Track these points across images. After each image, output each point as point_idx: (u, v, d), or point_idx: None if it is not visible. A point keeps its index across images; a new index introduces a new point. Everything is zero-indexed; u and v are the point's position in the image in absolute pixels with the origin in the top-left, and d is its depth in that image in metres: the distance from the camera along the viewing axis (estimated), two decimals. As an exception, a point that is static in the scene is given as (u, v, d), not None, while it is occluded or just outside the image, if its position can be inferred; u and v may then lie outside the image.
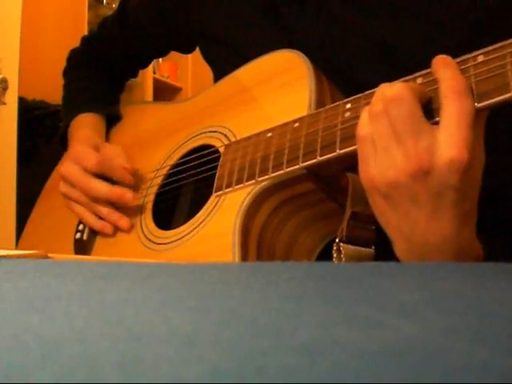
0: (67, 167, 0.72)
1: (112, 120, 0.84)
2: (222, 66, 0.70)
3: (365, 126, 0.43)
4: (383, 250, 0.47)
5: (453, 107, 0.40)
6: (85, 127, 0.79)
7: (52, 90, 1.59)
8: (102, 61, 0.90)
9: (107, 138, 0.83)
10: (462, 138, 0.39)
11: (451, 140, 0.39)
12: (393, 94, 0.41)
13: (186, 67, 3.13)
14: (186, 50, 0.84)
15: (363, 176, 0.44)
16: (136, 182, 0.71)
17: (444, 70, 0.42)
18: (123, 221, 0.68)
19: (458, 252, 0.42)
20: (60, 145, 0.83)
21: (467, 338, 0.17)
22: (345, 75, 0.60)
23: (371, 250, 0.50)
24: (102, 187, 0.69)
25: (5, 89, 1.09)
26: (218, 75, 0.70)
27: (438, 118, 0.41)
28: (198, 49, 0.80)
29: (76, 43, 0.94)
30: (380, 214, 0.44)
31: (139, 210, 0.68)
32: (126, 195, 0.68)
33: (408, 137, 0.40)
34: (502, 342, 0.17)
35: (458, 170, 0.39)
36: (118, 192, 0.68)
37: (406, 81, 0.45)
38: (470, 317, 0.20)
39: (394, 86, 0.42)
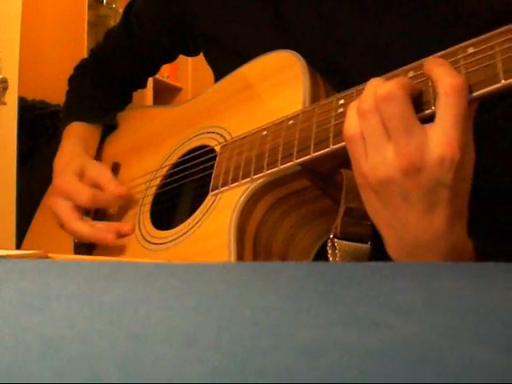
0: (56, 203, 0.70)
1: (111, 127, 0.84)
2: (222, 67, 0.70)
3: (353, 124, 0.43)
4: (379, 245, 0.47)
5: (452, 106, 0.40)
6: (72, 138, 0.79)
7: (52, 90, 1.59)
8: (109, 72, 0.89)
9: (106, 143, 0.83)
10: (456, 137, 0.39)
11: (446, 138, 0.39)
12: (385, 93, 0.41)
13: (186, 67, 3.12)
14: (193, 52, 0.83)
15: (356, 172, 0.44)
16: (130, 192, 0.71)
17: (440, 68, 0.42)
18: (126, 226, 0.68)
19: (449, 250, 0.42)
20: None
21: (467, 338, 0.17)
22: (342, 75, 0.60)
23: (367, 246, 0.50)
24: (83, 230, 0.68)
25: (5, 89, 1.08)
26: (219, 76, 0.70)
27: (427, 111, 0.41)
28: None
29: (76, 43, 0.94)
30: (372, 211, 0.44)
31: (137, 210, 0.68)
32: (124, 229, 0.67)
33: (400, 135, 0.40)
34: (501, 342, 0.17)
35: (449, 168, 0.39)
36: (100, 235, 0.67)
37: (397, 74, 0.45)
38: (470, 317, 0.20)
39: (386, 85, 0.42)
